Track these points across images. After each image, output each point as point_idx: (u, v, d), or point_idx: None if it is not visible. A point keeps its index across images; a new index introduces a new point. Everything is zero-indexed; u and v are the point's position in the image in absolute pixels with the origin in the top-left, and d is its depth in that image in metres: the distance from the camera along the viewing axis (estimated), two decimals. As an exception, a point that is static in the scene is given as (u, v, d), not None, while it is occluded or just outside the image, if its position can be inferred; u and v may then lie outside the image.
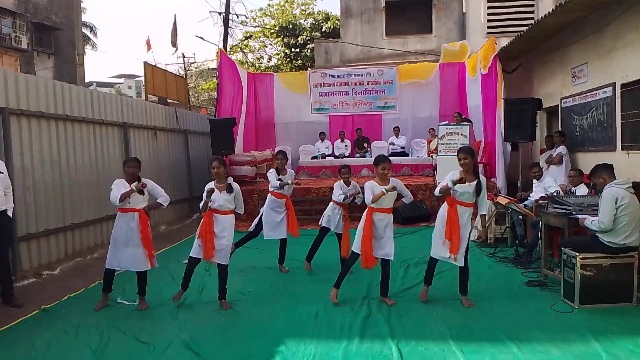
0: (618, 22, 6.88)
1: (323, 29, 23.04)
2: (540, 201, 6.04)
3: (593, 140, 7.68)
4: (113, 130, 8.48)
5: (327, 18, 24.00)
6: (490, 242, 7.25)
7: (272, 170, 6.22)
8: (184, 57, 26.92)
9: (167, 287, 5.64)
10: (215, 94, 12.95)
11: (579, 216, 4.98)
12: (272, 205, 6.21)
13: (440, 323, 4.34)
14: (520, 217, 6.81)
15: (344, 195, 5.81)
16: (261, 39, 25.79)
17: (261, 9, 27.20)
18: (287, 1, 25.13)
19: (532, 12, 14.42)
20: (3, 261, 5.23)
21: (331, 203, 6.04)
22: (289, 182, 6.13)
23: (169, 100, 14.67)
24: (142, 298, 5.02)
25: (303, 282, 5.75)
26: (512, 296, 5.07)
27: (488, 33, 14.11)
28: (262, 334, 4.21)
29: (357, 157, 12.06)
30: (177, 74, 22.43)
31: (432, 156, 10.47)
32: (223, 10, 18.58)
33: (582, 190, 6.13)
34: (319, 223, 6.10)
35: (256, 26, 25.42)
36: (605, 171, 4.73)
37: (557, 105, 8.86)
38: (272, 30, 24.48)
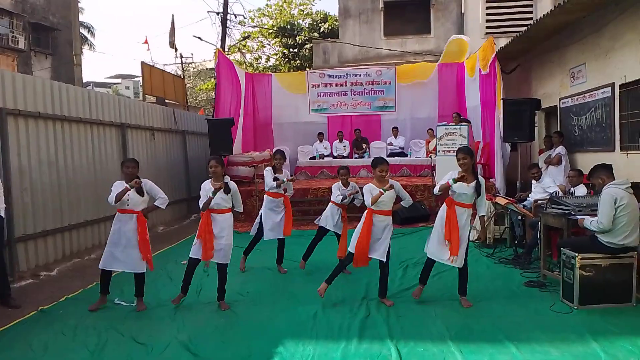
0: (616, 23, 6.89)
1: (321, 30, 23.03)
2: (539, 201, 6.04)
3: (592, 141, 7.69)
4: (111, 130, 8.46)
5: (325, 18, 23.99)
6: (489, 242, 7.25)
7: (269, 168, 6.18)
8: (181, 57, 26.84)
9: (165, 288, 5.63)
10: (213, 94, 12.93)
11: (578, 216, 4.97)
12: (269, 206, 6.19)
13: (439, 323, 4.33)
14: (519, 217, 6.81)
15: (342, 196, 5.82)
16: (259, 39, 25.77)
17: (259, 9, 27.16)
18: (285, 1, 25.11)
19: (531, 12, 14.46)
20: (-2, 262, 5.19)
21: (330, 204, 6.05)
22: (285, 179, 6.13)
23: (166, 101, 14.65)
24: (140, 299, 5.00)
25: (302, 283, 5.74)
26: (511, 297, 5.06)
27: (486, 33, 14.13)
28: (261, 335, 4.20)
29: (356, 158, 12.04)
30: (175, 74, 22.40)
31: (430, 157, 10.46)
32: (221, 10, 18.59)
33: (581, 190, 6.13)
34: (316, 222, 6.09)
35: (254, 26, 25.42)
36: (604, 171, 4.73)
37: (556, 105, 8.87)
38: (270, 31, 24.47)
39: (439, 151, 9.57)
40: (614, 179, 4.66)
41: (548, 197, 5.93)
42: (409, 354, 3.75)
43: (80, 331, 4.39)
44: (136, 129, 9.32)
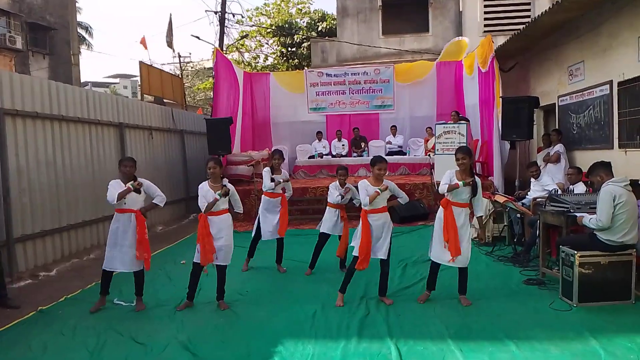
0: (613, 21, 6.90)
1: (319, 28, 23.00)
2: (538, 199, 6.04)
3: (590, 139, 7.70)
4: (109, 130, 8.44)
5: (323, 17, 23.96)
6: (488, 240, 7.24)
7: (267, 169, 6.17)
8: (179, 56, 26.78)
9: (164, 288, 5.62)
10: (212, 93, 12.91)
11: (577, 214, 4.98)
12: (267, 206, 6.19)
13: (438, 322, 4.33)
14: (518, 215, 6.81)
15: (340, 196, 5.80)
16: (257, 38, 25.73)
17: (257, 8, 27.18)
18: (283, 0, 25.09)
19: (529, 10, 14.47)
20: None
21: (328, 208, 6.00)
22: (281, 180, 6.12)
23: (165, 100, 14.61)
24: (139, 299, 4.99)
25: (301, 282, 5.73)
26: (510, 295, 5.06)
27: (484, 32, 14.13)
28: (260, 334, 4.20)
29: (355, 157, 12.04)
30: (173, 73, 22.35)
31: (429, 155, 10.46)
32: (219, 9, 18.57)
33: (580, 188, 6.14)
34: (318, 227, 6.05)
35: (252, 25, 25.37)
36: (603, 169, 4.73)
37: (554, 103, 8.88)
38: (268, 30, 24.44)
39: (437, 149, 9.57)
40: (613, 177, 4.66)
41: (547, 195, 5.94)
42: (409, 352, 3.75)
43: (79, 331, 4.38)
44: (134, 129, 9.31)
